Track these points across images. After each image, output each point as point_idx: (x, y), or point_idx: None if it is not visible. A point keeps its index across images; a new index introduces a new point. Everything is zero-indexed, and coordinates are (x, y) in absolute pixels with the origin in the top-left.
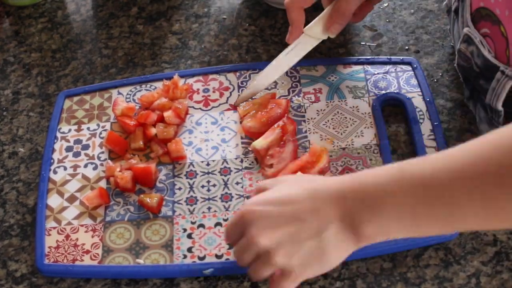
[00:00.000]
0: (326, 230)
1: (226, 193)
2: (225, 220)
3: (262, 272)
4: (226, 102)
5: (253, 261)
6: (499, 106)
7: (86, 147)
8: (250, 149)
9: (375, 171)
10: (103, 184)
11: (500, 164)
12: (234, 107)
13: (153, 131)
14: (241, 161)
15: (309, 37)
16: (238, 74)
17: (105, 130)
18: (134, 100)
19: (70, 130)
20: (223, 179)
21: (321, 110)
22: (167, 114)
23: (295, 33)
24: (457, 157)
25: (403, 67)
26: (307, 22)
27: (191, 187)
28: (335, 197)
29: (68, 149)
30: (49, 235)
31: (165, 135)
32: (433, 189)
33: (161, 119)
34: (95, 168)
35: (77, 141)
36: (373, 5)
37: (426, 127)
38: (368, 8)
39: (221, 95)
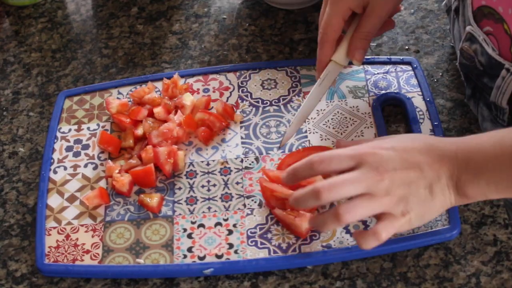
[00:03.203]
0: (438, 183)
1: (226, 193)
2: (225, 220)
3: (365, 209)
4: (226, 102)
5: (350, 200)
6: (504, 104)
7: (86, 147)
8: None
9: (481, 137)
10: (103, 184)
11: None
12: (235, 107)
13: (139, 131)
14: (241, 161)
15: (336, 64)
16: (238, 74)
17: (105, 130)
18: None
19: (70, 130)
20: (223, 179)
21: (321, 110)
22: (157, 110)
23: (322, 66)
24: None
25: (403, 67)
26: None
27: (191, 187)
28: (448, 156)
29: (68, 149)
30: (49, 235)
31: (151, 131)
32: None
33: (152, 115)
34: (95, 168)
35: (77, 141)
36: (393, 22)
37: (426, 127)
38: (389, 25)
39: (221, 95)
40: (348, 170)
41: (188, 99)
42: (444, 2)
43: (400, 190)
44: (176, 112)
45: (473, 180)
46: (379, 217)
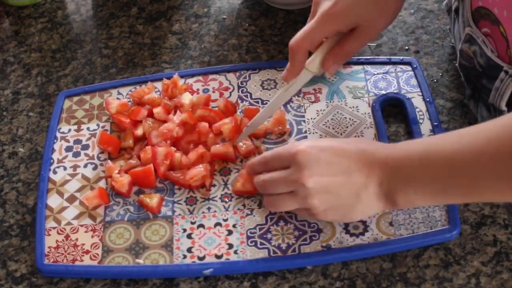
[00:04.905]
0: (365, 191)
1: (226, 193)
2: (225, 220)
3: (288, 205)
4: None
5: (281, 194)
6: (503, 106)
7: (85, 147)
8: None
9: (410, 145)
10: (102, 184)
11: None
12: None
13: (139, 131)
14: (241, 161)
15: (308, 72)
16: (238, 74)
17: (105, 130)
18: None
19: (70, 130)
20: (223, 179)
21: (321, 110)
22: (157, 110)
23: (294, 73)
24: (478, 136)
25: (403, 67)
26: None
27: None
28: (378, 163)
29: (68, 149)
30: (49, 235)
31: (151, 131)
32: (456, 167)
33: (151, 115)
34: (94, 168)
35: (77, 141)
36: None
37: (426, 127)
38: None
39: (221, 95)
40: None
41: (186, 98)
42: (445, 2)
43: (323, 194)
44: (175, 112)
45: (402, 188)
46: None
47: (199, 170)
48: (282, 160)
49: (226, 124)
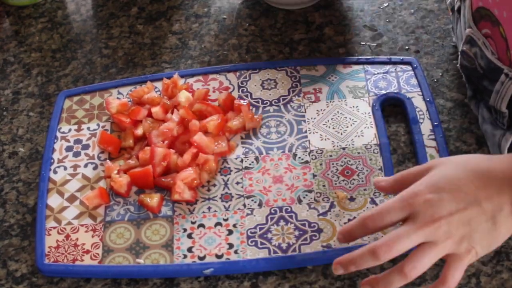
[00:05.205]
0: (500, 213)
1: (226, 193)
2: (225, 220)
3: (428, 261)
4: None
5: (412, 254)
6: (504, 108)
7: (86, 147)
8: None
9: None
10: (103, 184)
11: None
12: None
13: (139, 131)
14: (241, 161)
15: None
16: (238, 74)
17: (105, 130)
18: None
19: (70, 130)
20: (223, 179)
21: (321, 110)
22: (155, 109)
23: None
24: None
25: (403, 67)
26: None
27: None
28: (507, 184)
29: (68, 149)
30: (49, 235)
31: (151, 131)
32: None
33: (151, 114)
34: (95, 168)
35: (77, 141)
36: None
37: (426, 127)
38: None
39: None
40: (401, 220)
41: (183, 96)
42: (449, 1)
43: (460, 230)
44: (173, 111)
45: None
46: (444, 258)
47: (189, 173)
48: (396, 214)
49: (212, 121)
